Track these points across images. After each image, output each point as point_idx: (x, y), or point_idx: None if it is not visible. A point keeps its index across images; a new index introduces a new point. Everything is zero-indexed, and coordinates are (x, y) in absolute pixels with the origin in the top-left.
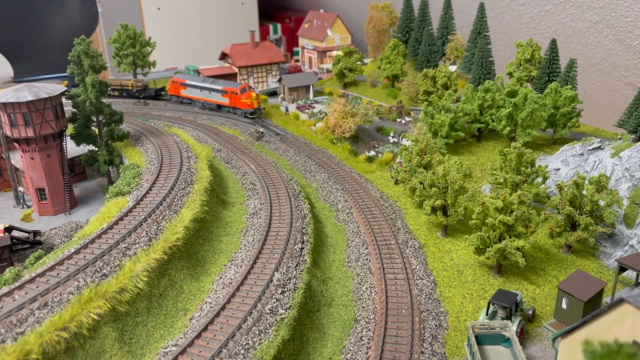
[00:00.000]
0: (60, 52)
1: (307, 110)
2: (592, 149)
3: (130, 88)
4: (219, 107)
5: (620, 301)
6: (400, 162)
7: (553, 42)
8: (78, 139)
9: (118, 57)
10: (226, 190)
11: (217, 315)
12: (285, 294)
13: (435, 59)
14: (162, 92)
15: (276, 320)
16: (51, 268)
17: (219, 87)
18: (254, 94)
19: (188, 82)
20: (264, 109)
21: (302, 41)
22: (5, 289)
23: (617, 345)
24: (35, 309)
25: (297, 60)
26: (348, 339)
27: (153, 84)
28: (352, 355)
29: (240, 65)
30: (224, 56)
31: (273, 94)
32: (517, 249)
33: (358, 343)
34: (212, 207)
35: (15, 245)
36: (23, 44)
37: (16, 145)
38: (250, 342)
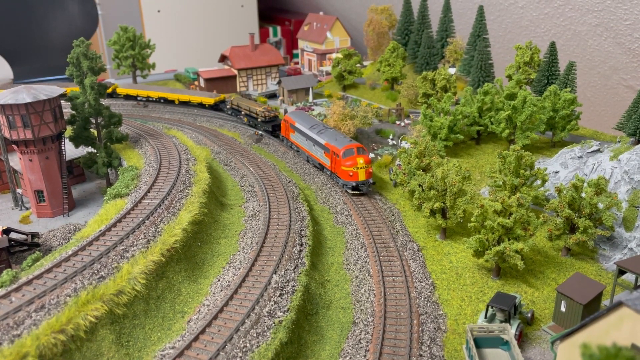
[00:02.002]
0: (60, 54)
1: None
2: (591, 151)
3: (256, 116)
4: (322, 167)
5: (619, 304)
6: (399, 164)
7: (552, 45)
8: (77, 141)
9: (117, 59)
10: (225, 193)
11: (215, 317)
12: (283, 297)
13: (434, 61)
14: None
15: (274, 323)
16: (48, 270)
17: (322, 141)
18: (361, 161)
19: (297, 124)
20: (373, 183)
21: (301, 44)
22: (2, 291)
23: (615, 348)
24: (32, 311)
25: (297, 63)
26: (346, 342)
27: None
28: (350, 358)
29: (239, 68)
30: (223, 58)
31: (272, 96)
32: (516, 251)
33: (356, 346)
34: (211, 209)
35: (13, 247)
36: (23, 46)
37: (15, 147)
38: (248, 344)
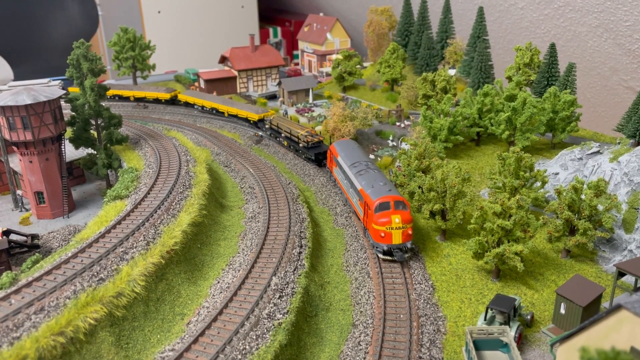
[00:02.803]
0: (61, 55)
1: (306, 114)
2: (591, 153)
3: (297, 140)
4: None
5: (618, 307)
6: (399, 166)
7: (552, 46)
8: (77, 142)
9: (118, 60)
10: (225, 194)
11: (215, 319)
12: (283, 299)
13: (434, 62)
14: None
15: (274, 325)
16: (48, 272)
17: (358, 185)
18: (398, 219)
19: (339, 157)
20: (411, 248)
21: (301, 45)
22: (1, 293)
23: (613, 352)
24: (31, 314)
25: (297, 64)
26: (346, 344)
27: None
28: None
29: (239, 69)
30: (223, 59)
31: (272, 97)
32: (516, 253)
33: (356, 348)
34: (211, 210)
35: (13, 249)
36: (24, 47)
37: (15, 148)
38: (247, 347)
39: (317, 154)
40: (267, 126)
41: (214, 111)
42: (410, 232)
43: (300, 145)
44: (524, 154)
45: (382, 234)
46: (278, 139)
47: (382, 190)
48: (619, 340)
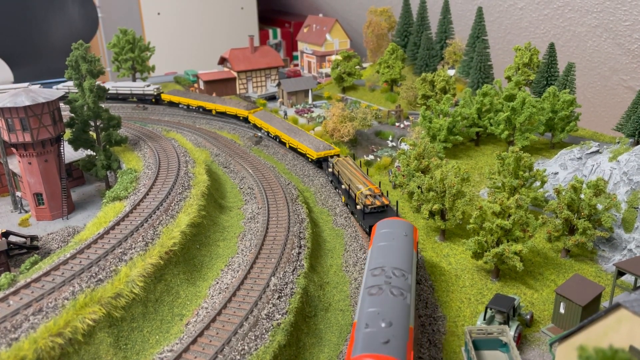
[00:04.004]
0: (61, 56)
1: (305, 115)
2: (591, 152)
3: (354, 197)
4: None
5: (617, 306)
6: (399, 166)
7: (551, 46)
8: (76, 143)
9: (117, 61)
10: (224, 195)
11: (213, 320)
12: (282, 299)
13: (433, 63)
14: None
15: (272, 325)
16: (46, 273)
17: (357, 311)
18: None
19: (371, 248)
20: None
21: (301, 46)
22: (0, 295)
23: (611, 350)
24: (29, 315)
25: (297, 65)
26: (345, 344)
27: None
28: None
29: (239, 70)
30: (223, 61)
31: (272, 98)
32: (515, 253)
33: None
34: (210, 211)
35: (12, 250)
36: (23, 49)
37: (14, 150)
38: (246, 347)
39: (370, 227)
40: (330, 169)
41: (277, 139)
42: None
43: (357, 206)
44: (523, 153)
45: None
46: (337, 189)
47: (375, 339)
48: (618, 339)
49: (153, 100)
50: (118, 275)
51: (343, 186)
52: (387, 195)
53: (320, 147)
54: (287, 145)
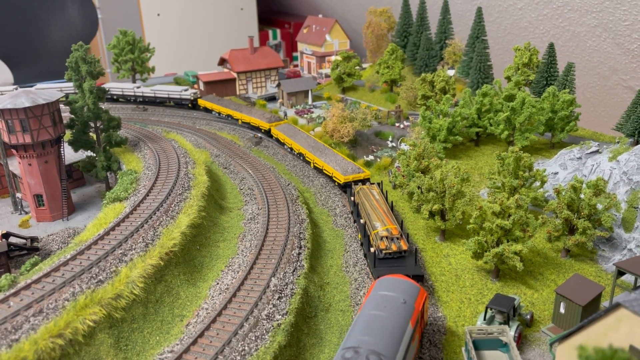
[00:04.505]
0: (61, 58)
1: (305, 115)
2: (590, 152)
3: (368, 236)
4: None
5: (617, 306)
6: (398, 166)
7: (551, 46)
8: (76, 145)
9: (117, 62)
10: (224, 196)
11: (214, 321)
12: (282, 300)
13: (433, 63)
14: None
15: (273, 326)
16: (47, 274)
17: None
18: None
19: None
20: None
21: (301, 46)
22: (0, 296)
23: (611, 350)
24: (30, 316)
25: (296, 65)
26: None
27: None
28: None
29: (239, 71)
30: (222, 62)
31: (272, 99)
32: (515, 253)
33: None
34: (210, 212)
35: (12, 252)
36: (23, 50)
37: (14, 151)
38: (246, 348)
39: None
40: (351, 197)
41: (316, 168)
42: None
43: (371, 248)
44: (523, 153)
45: None
46: (356, 223)
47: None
48: (618, 339)
49: (190, 105)
50: (118, 276)
51: (362, 220)
52: (408, 240)
53: (348, 169)
54: (312, 165)
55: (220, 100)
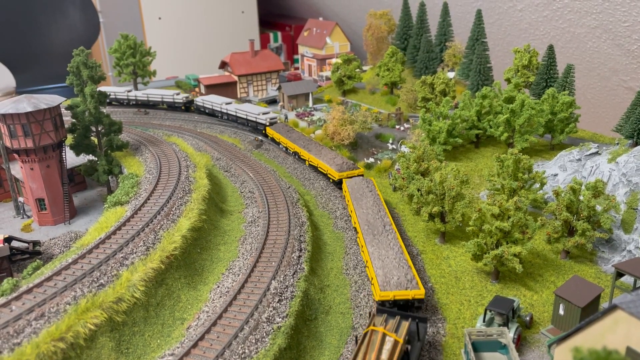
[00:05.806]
0: (62, 62)
1: (306, 118)
2: (590, 154)
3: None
4: None
5: (614, 307)
6: (398, 169)
7: (550, 48)
8: (77, 149)
9: (119, 66)
10: (225, 199)
11: (214, 324)
12: (282, 302)
13: (433, 65)
14: None
15: (273, 328)
16: (48, 278)
17: None
18: None
19: None
20: None
21: (301, 49)
22: (2, 300)
23: (605, 352)
24: (32, 320)
25: (297, 68)
26: (346, 347)
27: None
28: None
29: (239, 74)
30: (223, 65)
31: (272, 102)
32: (514, 255)
33: None
34: (210, 215)
35: (14, 256)
36: (25, 55)
37: (16, 156)
38: (246, 351)
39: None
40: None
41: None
42: None
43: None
44: (522, 155)
45: None
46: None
47: None
48: (615, 341)
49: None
50: (119, 279)
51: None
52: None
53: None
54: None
55: (290, 132)
